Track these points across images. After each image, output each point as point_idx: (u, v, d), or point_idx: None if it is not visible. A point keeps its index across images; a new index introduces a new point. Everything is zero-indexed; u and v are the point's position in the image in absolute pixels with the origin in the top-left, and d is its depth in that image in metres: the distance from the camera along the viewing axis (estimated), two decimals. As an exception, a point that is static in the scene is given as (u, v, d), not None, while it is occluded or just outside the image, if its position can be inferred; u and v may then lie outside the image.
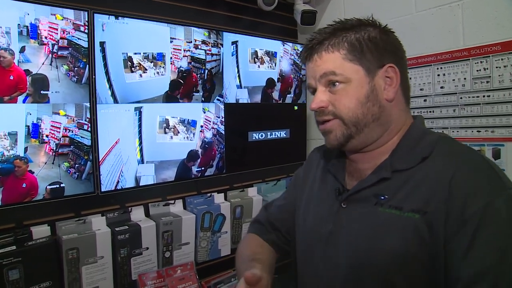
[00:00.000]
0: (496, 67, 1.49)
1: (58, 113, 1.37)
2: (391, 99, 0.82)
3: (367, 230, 0.79)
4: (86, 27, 1.42)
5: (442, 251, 0.69)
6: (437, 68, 1.67)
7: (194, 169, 1.78)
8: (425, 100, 1.73)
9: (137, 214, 1.65)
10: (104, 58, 1.48)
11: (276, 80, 2.11)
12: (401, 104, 0.85)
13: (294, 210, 1.05)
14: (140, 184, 1.61)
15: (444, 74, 1.65)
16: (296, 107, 2.23)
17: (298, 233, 0.98)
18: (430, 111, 1.71)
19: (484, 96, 1.53)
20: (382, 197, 0.79)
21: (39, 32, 1.31)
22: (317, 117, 0.86)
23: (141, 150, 1.60)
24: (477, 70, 1.54)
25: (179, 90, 1.69)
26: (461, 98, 1.60)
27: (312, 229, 0.92)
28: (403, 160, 0.80)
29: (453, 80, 1.62)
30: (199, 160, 1.79)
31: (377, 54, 0.81)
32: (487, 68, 1.51)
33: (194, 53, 1.74)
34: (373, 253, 0.76)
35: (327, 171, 0.97)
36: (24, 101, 1.29)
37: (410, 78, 1.76)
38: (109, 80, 1.49)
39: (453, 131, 1.63)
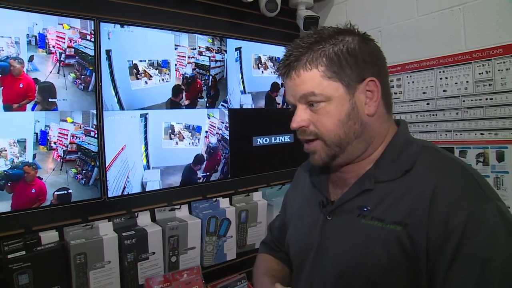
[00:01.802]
0: (498, 70, 1.50)
1: (66, 121, 1.40)
2: (373, 114, 0.80)
3: (352, 242, 0.78)
4: (93, 36, 1.45)
5: (424, 262, 0.69)
6: (440, 72, 1.68)
7: (200, 173, 1.79)
8: (428, 104, 1.74)
9: (143, 219, 1.67)
10: (110, 65, 1.50)
11: (280, 84, 2.13)
12: (383, 115, 0.83)
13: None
14: (146, 190, 1.63)
15: (446, 78, 1.66)
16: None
17: (291, 248, 0.98)
18: (433, 114, 1.72)
19: (487, 99, 1.54)
20: (365, 209, 0.78)
21: (47, 41, 1.34)
22: (299, 136, 0.86)
23: (147, 156, 1.62)
24: (479, 73, 1.55)
25: (182, 95, 1.71)
26: (463, 101, 1.61)
27: (301, 242, 0.92)
28: (386, 171, 0.79)
29: (456, 83, 1.63)
30: (205, 164, 1.80)
31: (357, 68, 0.79)
32: (489, 71, 1.52)
33: (198, 59, 1.77)
34: (359, 264, 0.76)
35: (311, 184, 0.96)
36: (33, 109, 1.32)
37: (413, 82, 1.79)
38: (115, 87, 1.52)
39: (456, 134, 1.64)
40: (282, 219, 1.12)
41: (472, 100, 1.59)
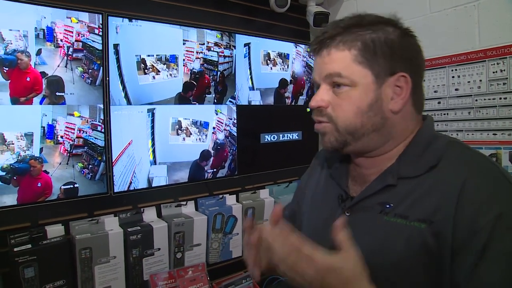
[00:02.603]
0: (513, 69, 1.46)
1: (73, 115, 1.40)
2: (397, 111, 0.77)
3: (373, 238, 0.76)
4: (101, 30, 1.44)
5: (449, 261, 0.67)
6: (452, 70, 1.65)
7: (207, 169, 1.78)
8: (439, 103, 1.70)
9: (149, 214, 1.67)
10: (118, 60, 1.50)
11: (289, 81, 2.10)
12: (410, 114, 0.80)
13: (296, 220, 1.03)
14: (153, 185, 1.62)
15: (459, 76, 1.62)
16: (308, 109, 2.22)
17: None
18: (444, 114, 1.69)
19: (500, 98, 1.50)
20: (388, 205, 0.75)
21: (55, 35, 1.34)
22: (314, 116, 0.83)
23: (153, 151, 1.61)
24: (493, 72, 1.51)
25: (192, 92, 1.70)
26: (476, 100, 1.57)
27: (315, 236, 0.86)
28: (410, 167, 0.76)
29: (468, 82, 1.59)
30: (211, 159, 1.79)
31: (391, 60, 0.75)
32: (504, 70, 1.48)
33: (206, 55, 1.75)
34: (379, 262, 0.73)
35: (329, 176, 0.93)
36: (41, 103, 1.32)
37: (424, 80, 1.75)
38: (122, 82, 1.51)
39: (468, 134, 1.61)
40: (293, 209, 1.08)
41: (485, 99, 1.55)
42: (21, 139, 1.29)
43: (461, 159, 0.74)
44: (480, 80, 1.56)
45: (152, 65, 1.58)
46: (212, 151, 1.80)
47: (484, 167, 0.72)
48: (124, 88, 1.52)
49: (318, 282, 0.64)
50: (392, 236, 0.73)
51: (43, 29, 1.31)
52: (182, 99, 1.68)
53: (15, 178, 1.28)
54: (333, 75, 0.77)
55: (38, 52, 1.31)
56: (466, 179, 0.68)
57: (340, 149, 0.81)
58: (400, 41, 0.76)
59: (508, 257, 0.62)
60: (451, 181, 0.69)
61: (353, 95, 0.76)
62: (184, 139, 1.70)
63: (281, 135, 2.10)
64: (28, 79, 1.28)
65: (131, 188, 1.56)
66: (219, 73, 1.80)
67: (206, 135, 1.77)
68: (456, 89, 1.64)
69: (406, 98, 0.77)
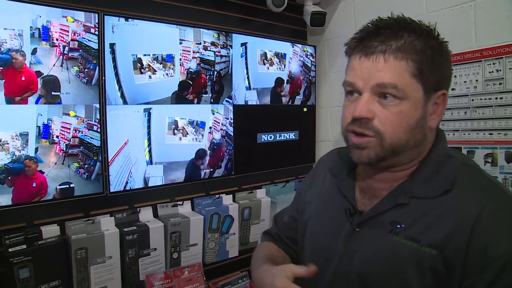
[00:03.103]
0: (510, 69, 1.46)
1: (68, 114, 1.39)
2: (435, 128, 0.76)
3: (382, 257, 0.74)
4: (97, 29, 1.43)
5: None
6: (449, 70, 1.65)
7: (203, 168, 1.78)
8: (436, 102, 1.70)
9: (145, 214, 1.66)
10: (114, 59, 1.49)
11: (286, 81, 2.10)
12: (435, 129, 0.79)
13: (298, 227, 1.01)
14: (149, 185, 1.62)
15: (455, 76, 1.62)
16: (305, 109, 2.22)
17: (308, 251, 0.93)
18: (441, 113, 1.69)
19: (496, 98, 1.51)
20: (398, 225, 0.73)
21: (50, 34, 1.33)
22: (354, 127, 0.74)
23: (150, 151, 1.61)
24: (490, 72, 1.52)
25: (188, 91, 1.70)
26: (472, 100, 1.58)
27: (322, 249, 0.87)
28: (423, 187, 0.74)
29: (465, 82, 1.59)
30: (207, 158, 1.79)
31: (439, 75, 0.72)
32: (500, 70, 1.49)
33: (203, 54, 1.75)
34: (386, 281, 0.73)
35: (336, 187, 0.90)
36: (36, 102, 1.31)
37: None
38: (118, 81, 1.50)
39: (464, 134, 1.61)
40: (293, 216, 1.06)
41: (481, 99, 1.55)
42: (16, 139, 1.28)
43: (476, 186, 0.71)
44: (477, 80, 1.56)
45: (149, 65, 1.57)
46: (208, 151, 1.79)
47: (501, 198, 0.69)
48: (120, 87, 1.51)
49: None
50: (402, 258, 0.71)
51: (39, 28, 1.30)
52: (178, 98, 1.67)
53: (9, 178, 1.28)
54: (387, 86, 0.70)
55: (34, 52, 1.30)
56: (482, 209, 0.66)
57: (374, 164, 0.77)
58: (444, 57, 0.74)
59: None
60: (466, 209, 0.67)
61: (404, 109, 0.71)
62: (180, 138, 1.70)
63: (277, 135, 2.10)
64: (23, 78, 1.27)
65: (127, 188, 1.55)
66: (215, 72, 1.80)
67: (202, 135, 1.77)
68: (453, 89, 1.64)
69: (441, 114, 0.75)
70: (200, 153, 1.76)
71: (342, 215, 0.84)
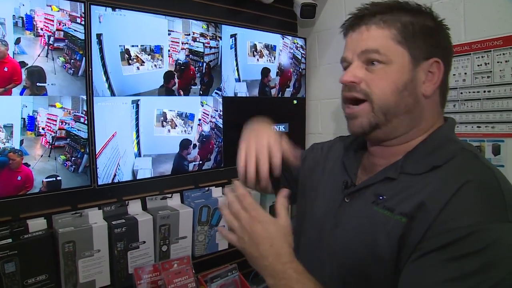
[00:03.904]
0: (497, 62, 1.47)
1: (54, 106, 1.36)
2: (428, 96, 0.77)
3: (360, 227, 0.78)
4: (83, 19, 1.40)
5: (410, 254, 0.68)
6: (438, 63, 1.65)
7: (189, 159, 1.77)
8: (425, 95, 1.71)
9: (134, 207, 1.64)
10: (101, 50, 1.46)
11: (275, 72, 2.09)
12: (436, 104, 0.80)
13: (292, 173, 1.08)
14: (137, 178, 1.60)
15: (444, 69, 1.63)
16: (295, 101, 2.22)
17: (307, 220, 0.97)
18: (430, 106, 1.70)
19: (484, 91, 1.52)
20: (381, 197, 0.76)
21: (34, 23, 1.29)
22: (346, 92, 0.81)
23: (138, 143, 1.59)
24: (478, 65, 1.53)
25: (174, 81, 1.67)
26: (461, 93, 1.59)
27: (318, 219, 0.91)
28: (415, 164, 0.76)
29: (454, 75, 1.60)
30: (192, 148, 1.77)
31: (428, 44, 0.76)
32: (488, 63, 1.50)
33: (192, 46, 1.73)
34: (360, 250, 0.76)
35: (341, 162, 0.94)
36: (21, 94, 1.28)
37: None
38: (106, 72, 1.48)
39: (452, 127, 1.62)
40: (299, 158, 1.07)
41: (469, 92, 1.56)
42: (0, 131, 1.26)
43: (466, 167, 0.72)
44: (465, 73, 1.57)
45: (137, 56, 1.55)
46: (197, 143, 1.78)
47: (484, 181, 0.69)
48: (107, 79, 1.49)
49: (247, 230, 0.75)
50: (376, 227, 0.74)
51: (22, 17, 1.26)
52: (166, 90, 1.65)
53: (-6, 171, 1.25)
54: (370, 51, 0.76)
55: (17, 41, 1.26)
56: (460, 188, 0.66)
57: (368, 133, 0.80)
58: (437, 29, 0.78)
59: (468, 262, 0.61)
60: (446, 186, 0.68)
61: (389, 72, 0.76)
62: (169, 131, 1.68)
63: (267, 127, 2.09)
64: (5, 69, 1.24)
65: (115, 180, 1.54)
66: (205, 64, 1.78)
67: (191, 127, 1.75)
68: (442, 82, 1.65)
69: (437, 83, 0.78)
70: (184, 143, 1.74)
71: (339, 187, 0.88)
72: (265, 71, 2.06)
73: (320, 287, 0.71)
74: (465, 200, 0.65)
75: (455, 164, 0.72)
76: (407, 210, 0.70)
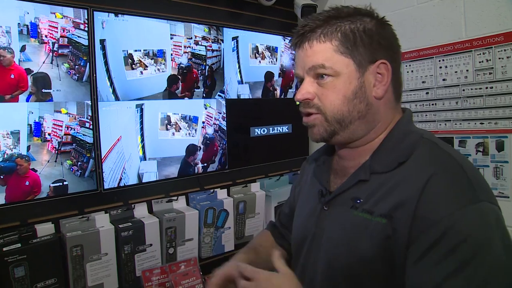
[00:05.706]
0: (499, 58, 1.48)
1: (60, 111, 1.38)
2: (380, 97, 0.79)
3: (342, 233, 0.79)
4: (86, 25, 1.42)
5: (402, 256, 0.69)
6: (439, 61, 1.66)
7: (194, 165, 1.78)
8: (427, 93, 1.72)
9: (140, 210, 1.66)
10: (105, 55, 1.48)
11: (277, 74, 2.10)
12: (390, 102, 0.82)
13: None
14: (143, 181, 1.61)
15: (446, 67, 1.64)
16: (298, 102, 2.22)
17: (292, 236, 0.99)
18: (432, 104, 1.70)
19: (487, 88, 1.52)
20: (358, 201, 0.78)
21: (39, 30, 1.31)
22: (301, 109, 0.84)
23: (143, 147, 1.60)
24: (480, 62, 1.53)
25: (177, 85, 1.69)
26: (463, 90, 1.59)
27: (299, 231, 0.93)
28: (382, 162, 0.78)
29: (455, 72, 1.61)
30: (198, 153, 1.78)
31: (371, 48, 0.77)
32: (490, 60, 1.50)
33: (194, 49, 1.74)
34: (345, 256, 0.77)
35: (313, 173, 0.96)
36: (27, 100, 1.30)
37: (412, 71, 1.76)
38: (110, 77, 1.49)
39: (455, 124, 1.62)
40: (290, 206, 1.11)
41: (472, 89, 1.57)
42: (7, 137, 1.27)
43: (429, 158, 0.75)
44: (467, 70, 1.57)
45: (140, 60, 1.56)
46: (199, 146, 1.79)
47: (448, 167, 0.72)
48: (111, 83, 1.50)
49: None
50: (358, 231, 0.75)
51: (27, 25, 1.29)
52: (170, 94, 1.67)
53: (1, 177, 1.26)
54: (316, 67, 0.78)
55: (22, 49, 1.28)
56: (429, 179, 0.69)
57: (328, 140, 0.83)
58: (377, 30, 0.79)
59: (454, 253, 0.63)
60: (415, 179, 0.71)
61: (337, 84, 0.77)
62: (173, 134, 1.69)
63: (271, 129, 2.10)
64: (12, 76, 1.26)
65: (121, 184, 1.55)
66: (207, 67, 1.79)
67: (195, 130, 1.77)
68: (444, 79, 1.65)
69: (387, 84, 0.79)
70: (191, 149, 1.76)
71: (316, 197, 0.89)
72: (269, 75, 2.07)
73: None
74: (435, 193, 0.68)
75: (417, 158, 0.75)
76: (385, 211, 0.72)
